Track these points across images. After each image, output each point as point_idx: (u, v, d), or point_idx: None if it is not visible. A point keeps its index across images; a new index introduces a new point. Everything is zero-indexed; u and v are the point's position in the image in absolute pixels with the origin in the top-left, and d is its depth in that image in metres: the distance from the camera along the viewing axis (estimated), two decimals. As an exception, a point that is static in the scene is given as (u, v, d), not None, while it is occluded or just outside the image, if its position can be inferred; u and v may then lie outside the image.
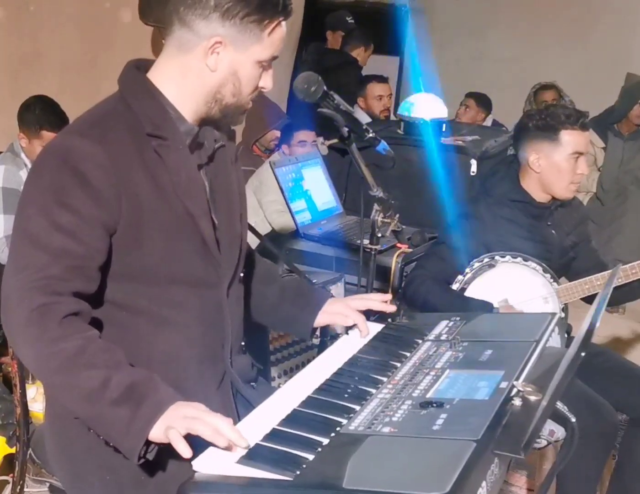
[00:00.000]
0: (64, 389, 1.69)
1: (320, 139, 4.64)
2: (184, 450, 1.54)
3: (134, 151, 1.81)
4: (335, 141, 4.10)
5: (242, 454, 1.54)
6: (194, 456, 1.54)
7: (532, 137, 3.03)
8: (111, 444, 1.69)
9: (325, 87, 2.21)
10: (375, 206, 2.41)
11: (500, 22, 7.82)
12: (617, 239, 5.95)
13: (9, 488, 2.42)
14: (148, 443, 1.61)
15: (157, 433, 1.59)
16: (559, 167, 2.99)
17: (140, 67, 1.92)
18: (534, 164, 3.02)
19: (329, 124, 2.31)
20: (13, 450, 2.44)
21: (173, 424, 1.58)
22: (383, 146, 2.33)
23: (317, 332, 3.07)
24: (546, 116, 3.00)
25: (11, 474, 2.41)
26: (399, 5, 8.03)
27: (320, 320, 2.22)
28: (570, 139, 2.97)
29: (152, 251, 1.82)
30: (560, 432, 2.85)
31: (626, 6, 7.24)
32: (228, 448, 1.54)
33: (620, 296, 3.13)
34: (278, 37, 1.86)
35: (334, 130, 2.30)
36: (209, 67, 1.83)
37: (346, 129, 2.27)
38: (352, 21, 6.95)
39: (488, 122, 6.75)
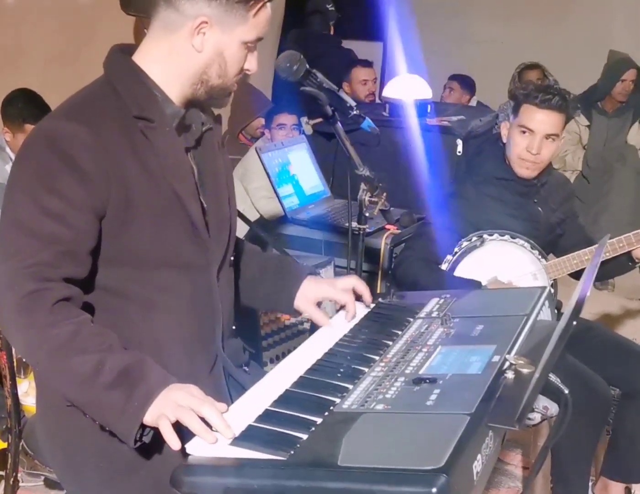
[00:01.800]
0: (57, 375, 1.69)
1: (305, 119, 4.62)
2: (174, 443, 1.54)
3: (121, 133, 1.79)
4: (319, 120, 4.08)
5: (236, 435, 1.53)
6: (187, 439, 1.54)
7: (509, 110, 3.08)
8: (107, 428, 1.68)
9: (307, 66, 2.20)
10: (362, 186, 2.40)
11: (482, 3, 7.81)
12: (604, 217, 5.96)
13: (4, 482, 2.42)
14: (143, 426, 1.61)
15: (150, 418, 1.59)
16: (510, 138, 3.05)
17: (125, 50, 1.91)
18: (502, 133, 3.09)
19: (314, 104, 2.30)
20: (5, 444, 2.42)
21: (165, 410, 1.58)
22: (368, 123, 2.33)
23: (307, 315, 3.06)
24: (520, 89, 3.04)
25: (5, 468, 2.40)
26: (381, -10, 8.01)
27: (303, 307, 2.18)
28: (525, 112, 2.98)
29: (141, 234, 1.81)
30: (554, 408, 2.86)
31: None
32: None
33: (609, 271, 3.15)
34: (263, 18, 1.85)
35: (319, 109, 2.28)
36: (195, 48, 1.82)
37: (330, 108, 2.26)
38: (333, 8, 6.93)
39: (473, 103, 6.75)
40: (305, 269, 2.27)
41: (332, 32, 6.81)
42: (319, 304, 2.19)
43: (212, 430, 1.55)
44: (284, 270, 2.24)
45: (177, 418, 1.57)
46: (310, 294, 2.18)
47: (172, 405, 1.59)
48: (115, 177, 1.76)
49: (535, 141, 2.96)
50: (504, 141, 3.07)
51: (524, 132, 2.97)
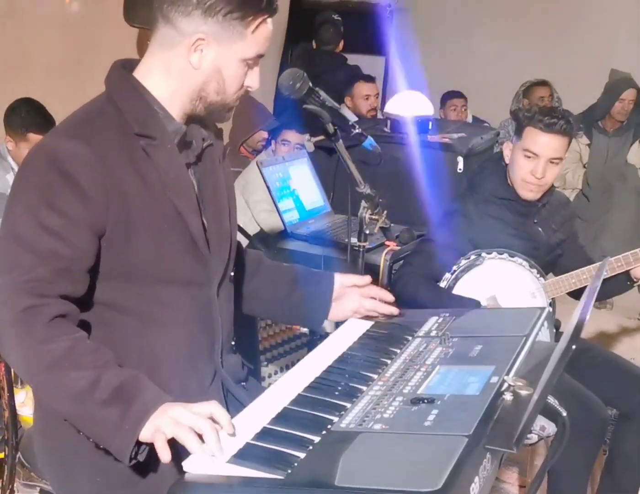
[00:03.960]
0: (52, 391, 1.69)
1: (307, 136, 4.63)
2: (165, 456, 1.55)
3: (122, 150, 1.80)
4: (321, 137, 4.09)
5: (233, 453, 1.53)
6: (184, 456, 1.54)
7: (513, 130, 3.08)
8: (101, 446, 1.68)
9: (310, 84, 2.21)
10: (363, 203, 2.41)
11: (485, 20, 7.82)
12: (604, 236, 5.96)
13: (-1, 492, 2.41)
14: (139, 443, 1.61)
15: (146, 434, 1.59)
16: (514, 160, 3.04)
17: (127, 66, 1.92)
18: (504, 153, 3.07)
19: (316, 121, 2.30)
20: (2, 455, 2.42)
21: (162, 426, 1.58)
22: (370, 141, 2.33)
23: (306, 329, 3.07)
24: (524, 111, 3.04)
25: (1, 479, 2.39)
26: (384, 5, 8.03)
27: (340, 315, 2.25)
28: (529, 135, 2.98)
29: (141, 250, 1.82)
30: (550, 427, 2.85)
31: (607, 3, 7.26)
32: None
33: (608, 290, 3.14)
34: (263, 35, 1.85)
35: (321, 127, 2.29)
36: (192, 65, 1.82)
37: (332, 125, 2.26)
38: (339, 18, 6.95)
39: (469, 117, 6.77)
40: (331, 276, 2.29)
41: (342, 46, 6.81)
42: None
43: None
44: (316, 277, 2.29)
45: (174, 435, 1.56)
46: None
47: (170, 421, 1.58)
48: (116, 196, 1.77)
49: (540, 164, 2.96)
50: (507, 161, 3.07)
51: (528, 156, 2.97)
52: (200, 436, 1.55)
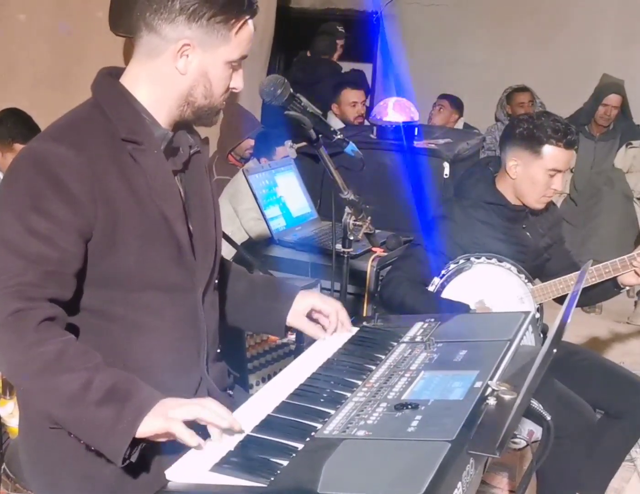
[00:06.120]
0: (43, 394, 1.68)
1: (289, 143, 4.62)
2: (192, 440, 1.57)
3: (109, 155, 1.80)
4: (304, 144, 4.09)
5: (216, 461, 1.53)
6: (167, 464, 1.53)
7: (516, 143, 3.02)
8: (93, 448, 1.68)
9: (291, 90, 2.21)
10: (347, 209, 2.41)
11: (471, 27, 7.84)
12: (592, 240, 5.97)
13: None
14: (132, 444, 1.60)
15: (152, 427, 1.60)
16: (533, 178, 3.00)
17: (113, 74, 1.92)
18: (511, 169, 3.03)
19: (298, 127, 2.30)
20: (-12, 466, 2.41)
21: (169, 413, 1.59)
22: (351, 147, 2.33)
23: (293, 337, 3.06)
24: (534, 126, 2.97)
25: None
26: (371, 12, 8.06)
27: (295, 322, 2.21)
28: (551, 154, 2.96)
29: (127, 256, 1.82)
30: (539, 432, 2.86)
31: (592, 9, 7.29)
32: (207, 447, 1.57)
33: (595, 296, 3.16)
34: (245, 36, 1.87)
35: (303, 133, 2.29)
36: (179, 71, 1.83)
37: (314, 132, 2.26)
38: (343, 30, 7.00)
39: (459, 124, 6.78)
40: (296, 287, 2.27)
41: (338, 55, 6.82)
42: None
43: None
44: (275, 290, 2.25)
45: (189, 412, 1.60)
46: (300, 306, 2.20)
47: (177, 406, 1.61)
48: (103, 200, 1.77)
49: (560, 178, 3.00)
50: (513, 177, 3.03)
51: (552, 175, 2.98)
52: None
